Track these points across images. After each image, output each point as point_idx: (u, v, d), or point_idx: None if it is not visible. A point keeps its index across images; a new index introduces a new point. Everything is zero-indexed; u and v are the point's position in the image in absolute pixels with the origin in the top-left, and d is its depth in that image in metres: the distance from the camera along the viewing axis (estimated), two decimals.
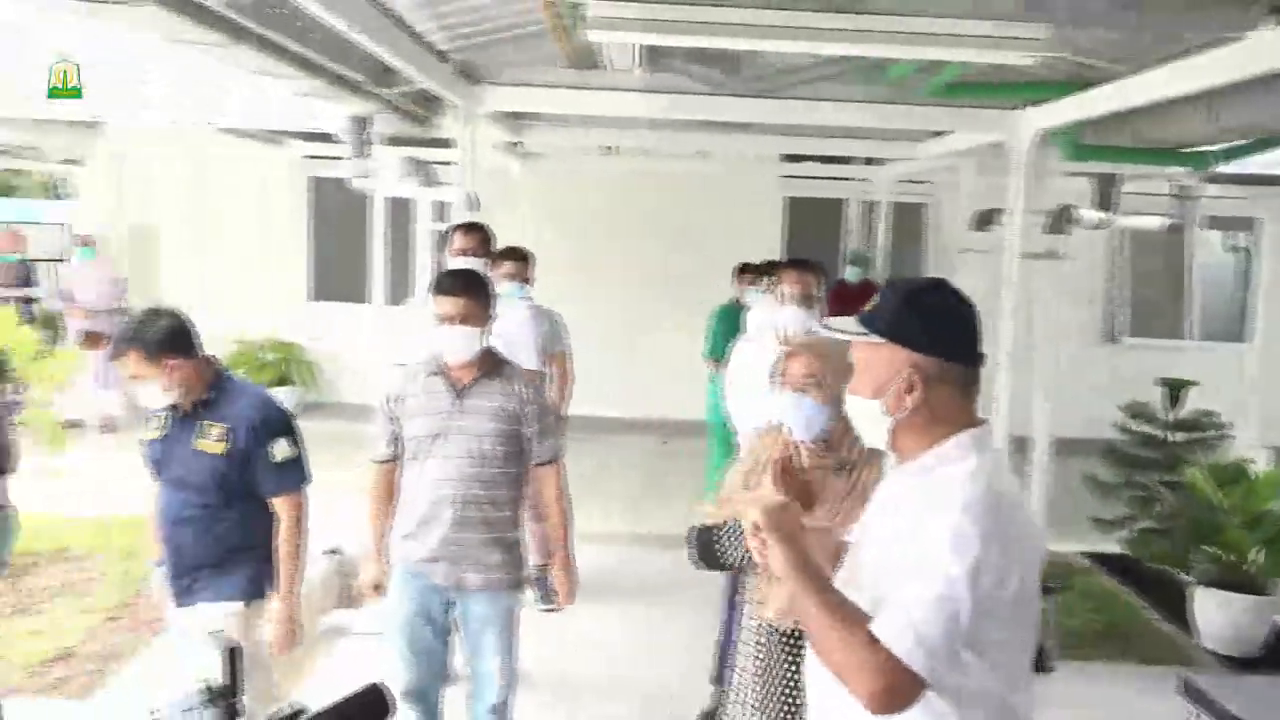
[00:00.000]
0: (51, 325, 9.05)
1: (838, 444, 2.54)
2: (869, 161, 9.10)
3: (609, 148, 8.79)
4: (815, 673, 1.76)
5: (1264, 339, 8.99)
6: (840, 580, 1.76)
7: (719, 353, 6.58)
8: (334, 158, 9.23)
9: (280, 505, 3.05)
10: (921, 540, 1.59)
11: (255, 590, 3.09)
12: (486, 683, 3.32)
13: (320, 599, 5.61)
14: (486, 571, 3.21)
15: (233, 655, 1.73)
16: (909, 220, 9.68)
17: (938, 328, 1.73)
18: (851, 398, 1.81)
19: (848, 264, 8.62)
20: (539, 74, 4.88)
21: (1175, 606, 5.37)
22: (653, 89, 4.76)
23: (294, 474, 3.06)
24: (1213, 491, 5.12)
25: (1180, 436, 5.88)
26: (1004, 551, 1.57)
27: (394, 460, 3.28)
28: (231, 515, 3.03)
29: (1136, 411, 5.90)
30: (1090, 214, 5.19)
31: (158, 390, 2.97)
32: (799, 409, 2.52)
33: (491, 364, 3.25)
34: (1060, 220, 4.89)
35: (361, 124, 4.92)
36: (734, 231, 9.45)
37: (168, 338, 2.97)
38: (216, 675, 1.71)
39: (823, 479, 2.49)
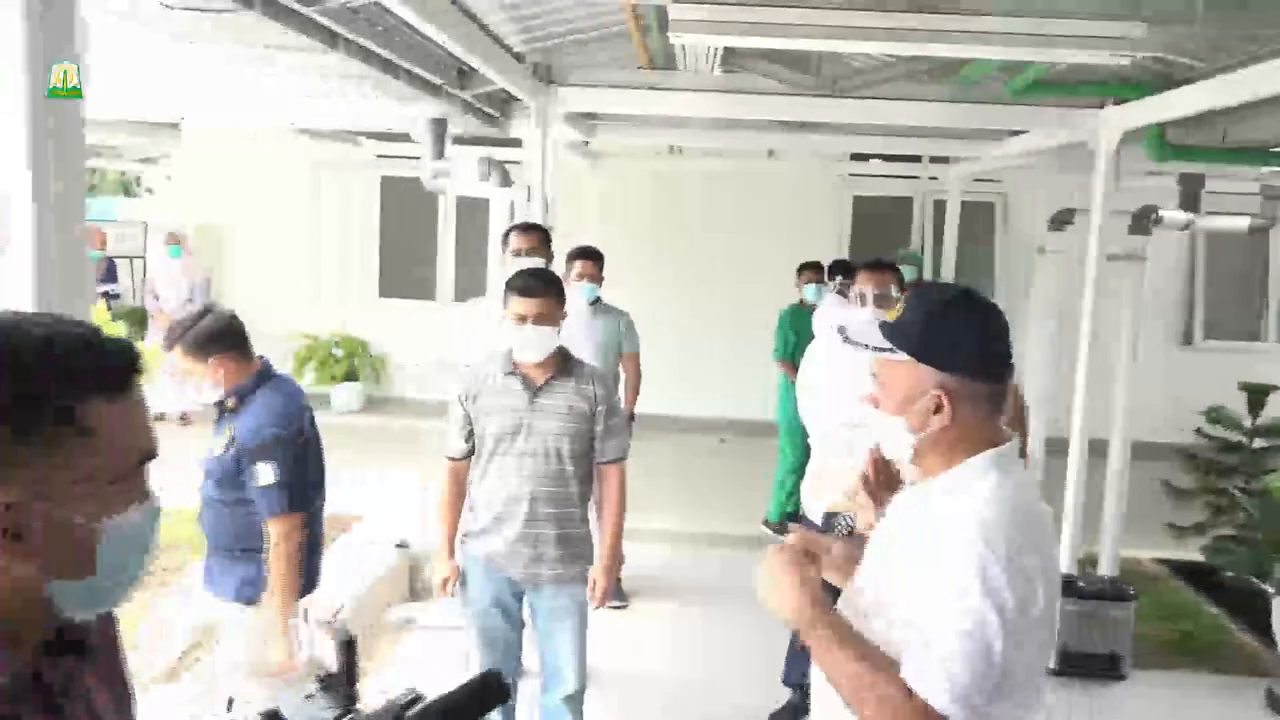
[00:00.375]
0: (135, 321, 9.32)
1: None
2: (934, 160, 9.02)
3: (674, 147, 8.81)
4: (823, 694, 1.73)
5: None
6: (843, 600, 1.77)
7: (788, 353, 6.60)
8: (407, 157, 9.48)
9: (268, 524, 2.98)
10: (946, 569, 1.56)
11: (247, 593, 3.06)
12: (559, 674, 3.39)
13: (388, 592, 5.73)
14: (557, 565, 3.28)
15: (349, 646, 1.78)
16: (979, 219, 9.55)
17: (968, 345, 1.66)
18: (874, 412, 1.74)
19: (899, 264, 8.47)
20: (611, 74, 4.92)
21: (1256, 617, 5.24)
22: (727, 89, 4.78)
23: (272, 499, 2.95)
24: None
25: (1261, 443, 5.74)
26: (1029, 577, 1.54)
27: (468, 458, 3.34)
28: (237, 515, 3.04)
29: (1217, 416, 5.78)
30: (1175, 215, 5.08)
31: (204, 386, 3.03)
32: None
33: (564, 363, 3.31)
34: (1143, 221, 4.81)
35: (440, 125, 5.01)
36: (799, 231, 9.42)
37: (214, 336, 3.01)
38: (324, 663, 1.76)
39: None
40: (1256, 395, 5.77)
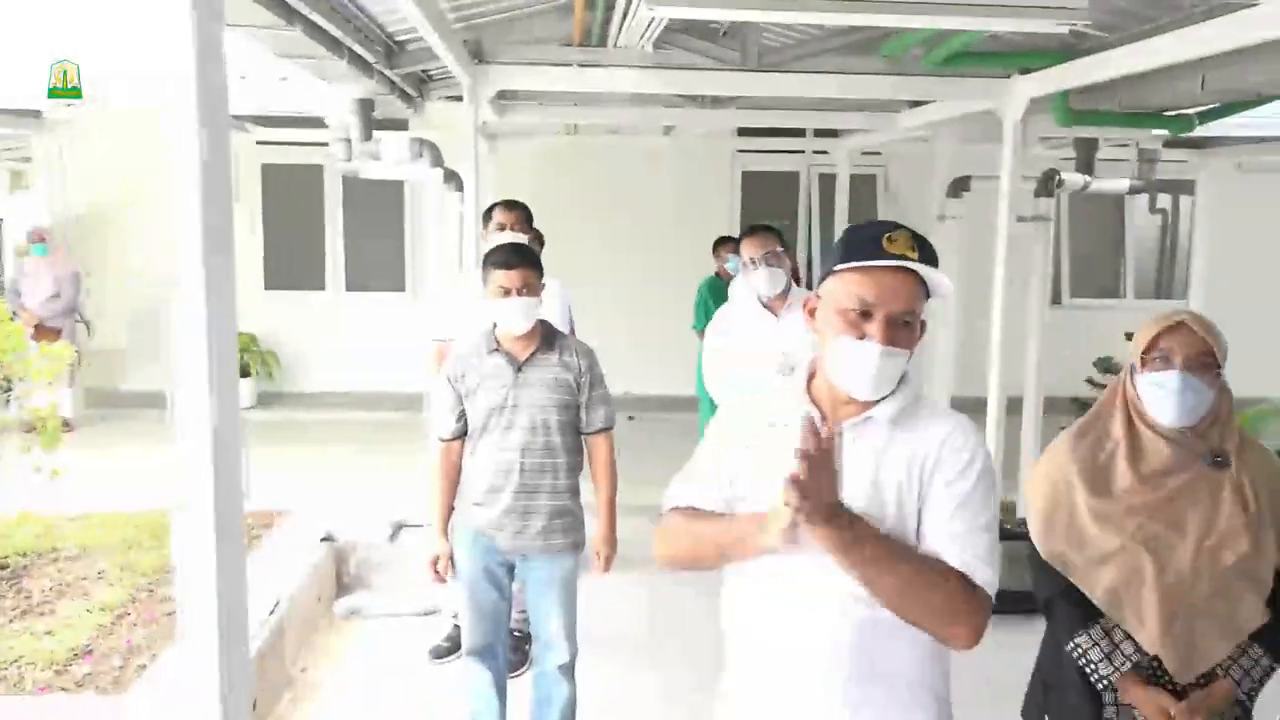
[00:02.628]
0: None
1: (1206, 431, 2.21)
2: (819, 134, 9.32)
3: (570, 126, 8.83)
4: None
5: (1201, 295, 9.52)
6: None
7: (705, 324, 6.74)
8: (293, 144, 9.19)
9: None
10: (962, 473, 1.70)
11: None
12: (551, 643, 3.45)
13: (317, 586, 5.63)
14: (547, 536, 3.34)
15: None
16: (862, 191, 9.93)
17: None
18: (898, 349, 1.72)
19: None
20: (541, 52, 4.92)
21: None
22: (658, 65, 4.85)
23: None
24: None
25: None
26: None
27: (460, 438, 3.36)
28: None
29: (1106, 365, 6.22)
30: (1074, 177, 5.46)
31: None
32: (1183, 390, 2.13)
33: (546, 336, 3.37)
34: (1048, 184, 5.14)
35: (368, 106, 4.91)
36: (692, 207, 9.62)
37: None
38: None
39: (1189, 473, 2.20)
40: None
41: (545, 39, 4.97)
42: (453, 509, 3.42)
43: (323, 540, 6.13)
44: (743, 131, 9.39)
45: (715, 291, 6.79)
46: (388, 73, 4.73)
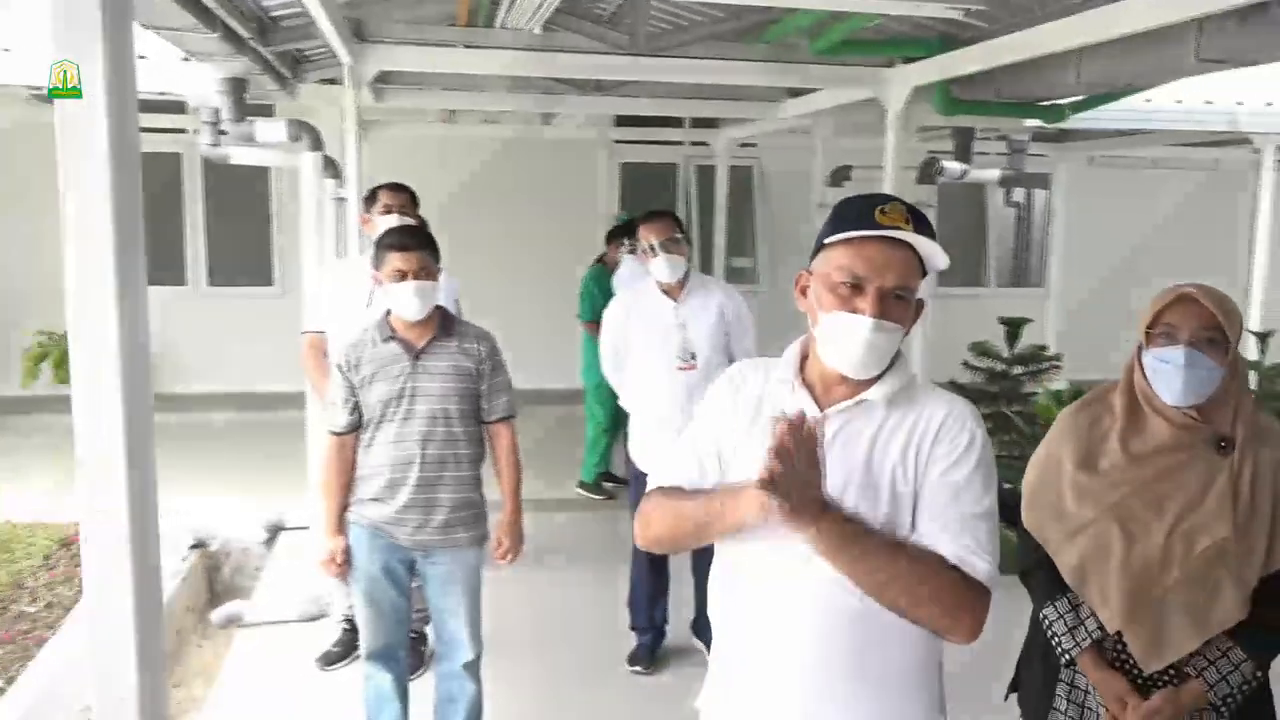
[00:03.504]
0: None
1: (1214, 413, 2.12)
2: (697, 125, 9.35)
3: (448, 114, 8.61)
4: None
5: (1058, 284, 9.99)
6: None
7: (594, 315, 6.66)
8: (147, 130, 8.65)
9: None
10: (959, 459, 1.64)
11: None
12: (456, 641, 3.33)
13: (188, 595, 5.33)
14: (450, 529, 3.23)
15: None
16: (738, 182, 10.01)
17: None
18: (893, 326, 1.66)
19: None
20: (423, 32, 4.74)
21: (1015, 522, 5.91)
22: (545, 48, 4.73)
23: None
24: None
25: (1019, 370, 6.47)
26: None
27: (353, 431, 3.21)
28: None
29: (982, 350, 6.43)
30: (953, 165, 5.61)
31: None
32: (1189, 367, 2.06)
33: (444, 323, 3.26)
34: (929, 171, 5.26)
35: (239, 86, 4.63)
36: (570, 199, 9.51)
37: None
38: None
39: (1186, 455, 2.13)
40: (1013, 328, 6.49)
41: (429, 19, 4.80)
42: (346, 506, 3.25)
43: (192, 548, 5.82)
44: (621, 121, 9.33)
45: (601, 281, 6.73)
46: (262, 50, 4.47)
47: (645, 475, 4.21)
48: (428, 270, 3.17)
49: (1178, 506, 2.10)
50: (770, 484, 1.49)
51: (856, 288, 1.64)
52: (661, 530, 1.84)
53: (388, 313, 3.23)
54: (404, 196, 4.04)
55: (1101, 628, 2.16)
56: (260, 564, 5.82)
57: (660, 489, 1.85)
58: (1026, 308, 7.77)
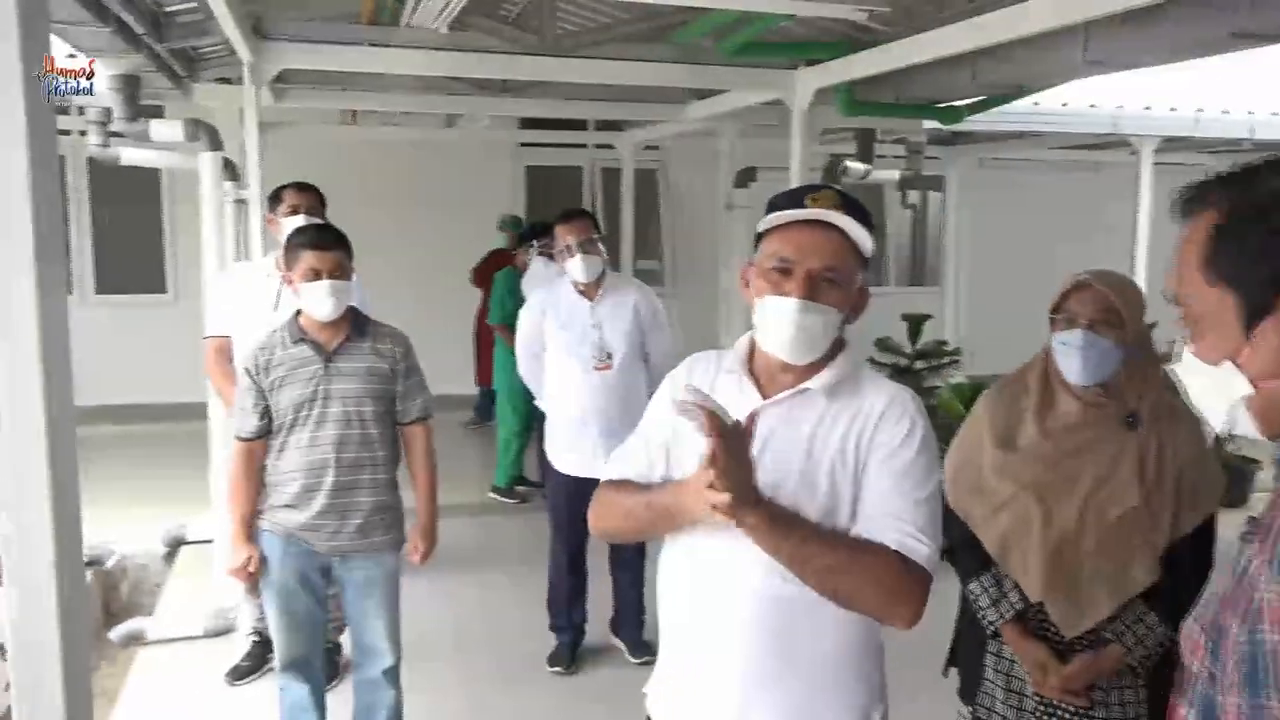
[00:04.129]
0: None
1: (1121, 390, 2.23)
2: (602, 128, 9.37)
3: (348, 116, 8.45)
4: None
5: (953, 283, 10.30)
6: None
7: (505, 317, 6.60)
8: None
9: None
10: (898, 447, 1.63)
11: None
12: (374, 648, 3.27)
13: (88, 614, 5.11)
14: (367, 534, 3.17)
15: None
16: (644, 185, 10.07)
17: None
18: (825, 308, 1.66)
19: (498, 229, 8.54)
20: (326, 30, 4.65)
21: None
22: (453, 47, 4.68)
23: None
24: (961, 408, 5.87)
25: (921, 364, 6.66)
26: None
27: (262, 436, 3.12)
28: None
29: (885, 345, 6.60)
30: (857, 166, 5.75)
31: None
32: (1087, 348, 2.17)
33: (357, 323, 3.20)
34: (833, 171, 5.38)
35: (132, 83, 4.46)
36: (474, 202, 9.41)
37: None
38: None
39: (1096, 431, 2.22)
40: (915, 325, 6.67)
41: (332, 17, 4.70)
42: (255, 513, 3.16)
43: (86, 566, 5.58)
44: (525, 124, 9.29)
45: (511, 285, 6.68)
46: (156, 47, 4.31)
47: (563, 476, 4.25)
48: (342, 269, 3.10)
49: (1090, 479, 2.21)
50: (709, 476, 1.50)
51: (786, 272, 1.66)
52: (609, 525, 1.85)
53: (297, 313, 3.14)
54: (310, 196, 3.95)
55: (1024, 599, 2.25)
56: (160, 580, 5.61)
57: (610, 482, 1.85)
58: (925, 306, 8.02)
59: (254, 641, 4.28)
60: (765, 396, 1.73)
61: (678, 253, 10.39)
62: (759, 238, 1.73)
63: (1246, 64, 7.10)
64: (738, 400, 1.71)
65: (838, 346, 1.74)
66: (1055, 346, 2.24)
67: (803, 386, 1.70)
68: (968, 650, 2.42)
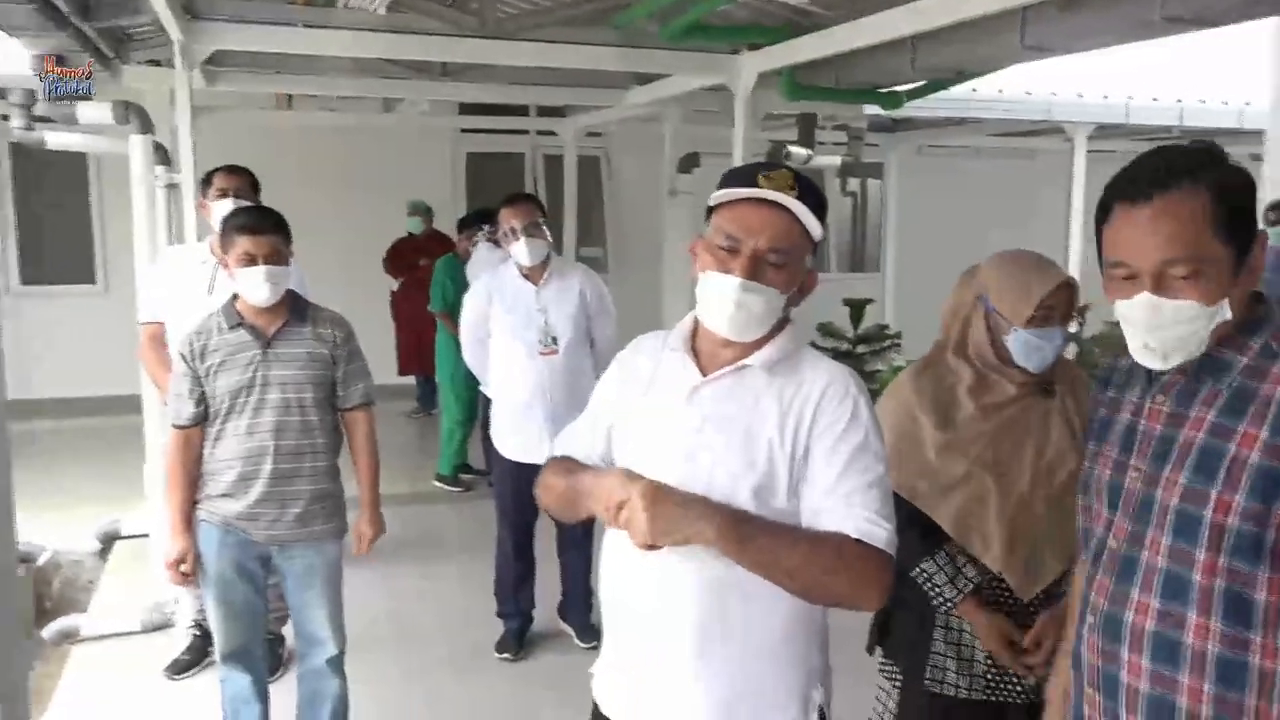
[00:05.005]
0: None
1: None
2: (544, 114, 9.30)
3: (283, 100, 8.29)
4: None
5: (892, 268, 10.44)
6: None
7: (446, 305, 6.53)
8: None
9: None
10: (844, 431, 1.62)
11: None
12: (318, 638, 3.22)
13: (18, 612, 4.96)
14: (307, 522, 3.11)
15: None
16: (587, 172, 10.04)
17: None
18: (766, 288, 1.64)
19: (408, 216, 8.47)
20: (261, 10, 4.54)
21: None
22: (391, 29, 4.60)
23: None
24: None
25: (863, 348, 6.73)
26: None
27: (199, 424, 3.04)
28: None
29: (828, 330, 6.66)
30: (799, 151, 5.79)
31: None
32: (1055, 341, 2.25)
33: (296, 308, 3.14)
34: (776, 156, 5.40)
35: (60, 64, 4.30)
36: (414, 189, 9.25)
37: None
38: None
39: (1024, 403, 2.31)
40: (856, 309, 6.75)
41: None
42: (193, 503, 3.08)
43: (20, 562, 5.42)
44: (465, 109, 9.18)
45: (453, 271, 6.62)
46: (82, 26, 4.17)
47: (508, 461, 4.22)
48: (279, 254, 3.03)
49: (1033, 447, 2.27)
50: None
51: (733, 250, 1.64)
52: (548, 501, 1.85)
53: (234, 298, 3.07)
54: (241, 179, 3.86)
55: (980, 573, 2.28)
56: (94, 577, 5.47)
57: (554, 459, 1.84)
58: (866, 291, 8.12)
59: (194, 635, 4.19)
60: (706, 373, 1.72)
61: (621, 239, 10.37)
62: (710, 211, 1.72)
63: (1174, 53, 7.29)
64: (680, 376, 1.71)
65: (781, 324, 1.73)
66: (1028, 340, 2.25)
67: (743, 363, 1.69)
68: (906, 629, 2.42)
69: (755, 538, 1.56)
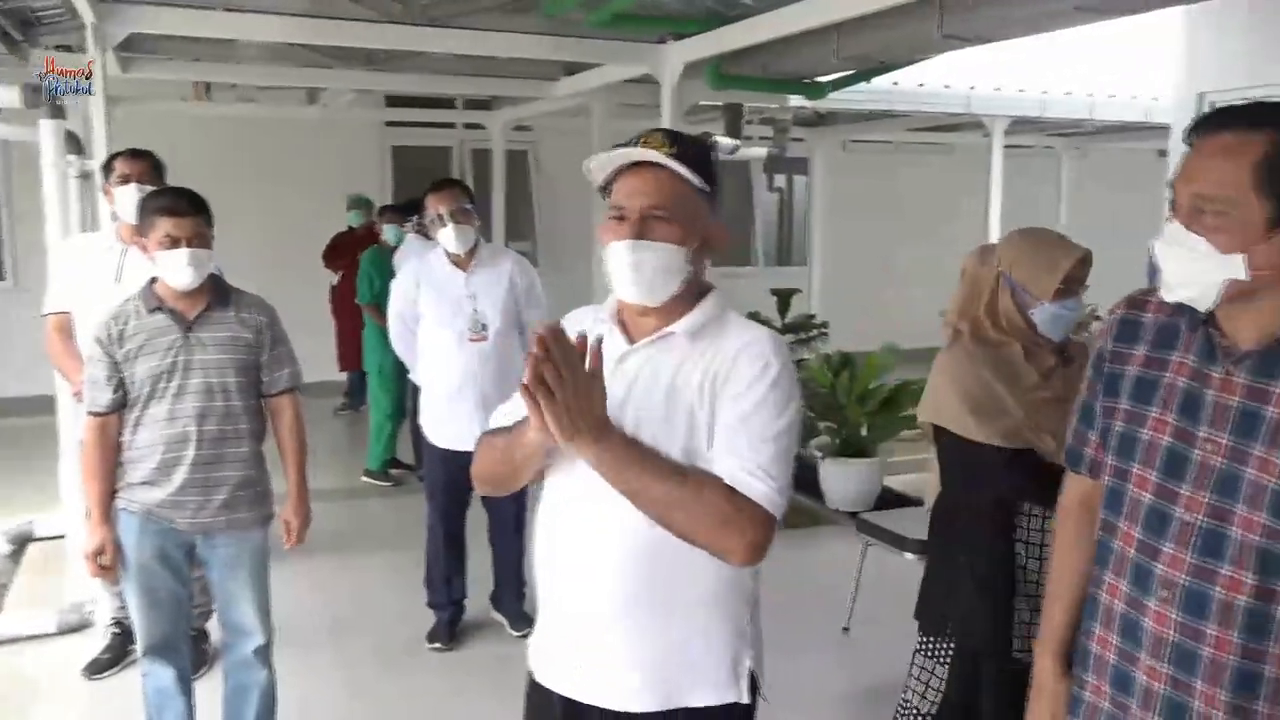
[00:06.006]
0: None
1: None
2: (471, 107, 9.24)
3: (201, 90, 8.08)
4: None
5: (818, 263, 10.58)
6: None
7: (373, 297, 6.45)
8: None
9: None
10: (750, 387, 1.63)
11: None
12: (244, 628, 3.16)
13: None
14: (232, 510, 3.05)
15: None
16: (514, 166, 9.99)
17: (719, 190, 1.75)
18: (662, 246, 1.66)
19: (347, 209, 8.32)
20: None
21: (807, 480, 6.29)
22: (316, 14, 4.53)
23: None
24: (829, 377, 6.05)
25: (790, 337, 6.82)
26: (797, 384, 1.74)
27: (117, 410, 2.96)
28: None
29: (756, 320, 6.73)
30: (726, 141, 5.84)
31: None
32: (1076, 311, 2.50)
33: (219, 291, 3.07)
34: None
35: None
36: (339, 183, 9.11)
37: None
38: None
39: (1059, 371, 2.51)
40: (783, 299, 6.83)
41: None
42: (113, 492, 3.00)
43: None
44: (392, 102, 9.07)
45: (379, 263, 6.54)
46: None
47: (438, 449, 4.19)
48: (201, 237, 2.97)
49: None
50: (532, 396, 1.48)
51: (622, 218, 1.67)
52: (480, 468, 1.82)
53: (153, 281, 3.00)
54: (144, 164, 3.77)
55: None
56: (7, 580, 5.28)
57: (488, 431, 1.82)
58: (793, 284, 8.20)
59: (114, 633, 4.08)
60: (633, 343, 1.74)
61: (550, 234, 10.34)
62: (604, 195, 1.74)
63: (1084, 47, 7.52)
64: (609, 346, 1.71)
65: (704, 292, 1.75)
66: (1056, 312, 2.44)
67: (666, 330, 1.71)
68: (980, 602, 2.49)
69: (629, 466, 1.56)
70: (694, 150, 1.69)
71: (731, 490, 1.58)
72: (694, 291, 1.73)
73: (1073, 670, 1.74)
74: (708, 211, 1.72)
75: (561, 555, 1.75)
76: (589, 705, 1.74)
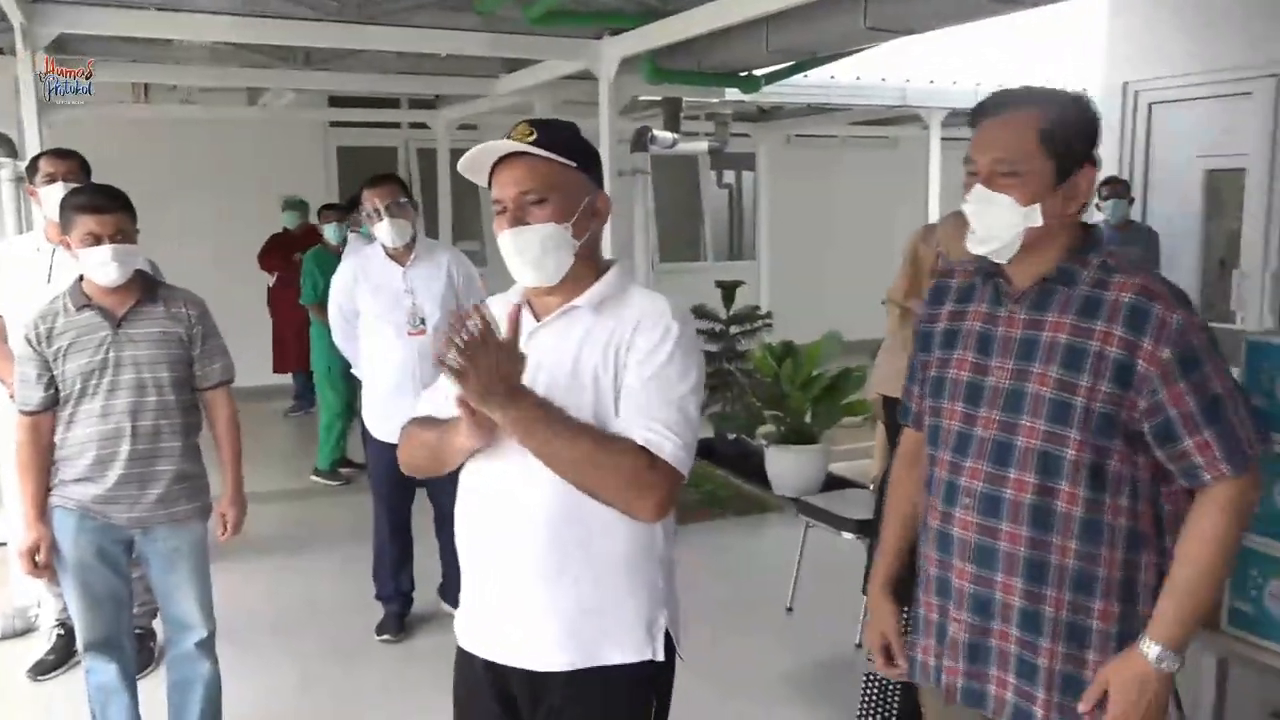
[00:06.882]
0: None
1: None
2: (416, 106, 9.23)
3: (139, 92, 8.01)
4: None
5: (766, 256, 10.71)
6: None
7: (318, 297, 6.43)
8: None
9: None
10: (654, 351, 1.71)
11: None
12: (186, 621, 3.17)
13: None
14: (169, 504, 3.06)
15: None
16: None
17: (598, 163, 1.84)
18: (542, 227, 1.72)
19: (282, 210, 8.35)
20: None
21: (750, 469, 6.39)
22: (251, 13, 4.52)
23: None
24: (773, 366, 6.15)
25: (735, 329, 6.91)
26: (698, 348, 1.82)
27: (49, 409, 2.97)
28: None
29: (700, 312, 6.81)
30: (664, 134, 5.92)
31: None
32: None
33: (148, 287, 3.08)
34: (642, 140, 5.53)
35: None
36: (283, 185, 9.06)
37: None
38: None
39: None
40: (728, 291, 6.92)
41: None
42: (48, 490, 3.00)
43: None
44: (335, 102, 9.03)
45: (322, 263, 6.53)
46: None
47: (381, 443, 4.21)
48: (125, 233, 2.96)
49: None
50: (451, 368, 1.56)
51: (502, 211, 1.76)
52: (407, 455, 1.90)
53: (80, 279, 3.00)
54: (70, 163, 3.75)
55: None
56: None
57: (414, 419, 1.90)
58: (743, 279, 8.31)
59: (58, 634, 4.06)
60: (539, 320, 1.82)
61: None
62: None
63: (1015, 39, 7.70)
64: (521, 325, 1.78)
65: (607, 268, 1.83)
66: None
67: (570, 305, 1.79)
68: None
69: (542, 427, 1.64)
70: (557, 132, 1.77)
71: (640, 449, 1.66)
72: (596, 269, 1.82)
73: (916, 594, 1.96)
74: (588, 185, 1.79)
75: (480, 525, 1.82)
76: (510, 667, 1.81)
